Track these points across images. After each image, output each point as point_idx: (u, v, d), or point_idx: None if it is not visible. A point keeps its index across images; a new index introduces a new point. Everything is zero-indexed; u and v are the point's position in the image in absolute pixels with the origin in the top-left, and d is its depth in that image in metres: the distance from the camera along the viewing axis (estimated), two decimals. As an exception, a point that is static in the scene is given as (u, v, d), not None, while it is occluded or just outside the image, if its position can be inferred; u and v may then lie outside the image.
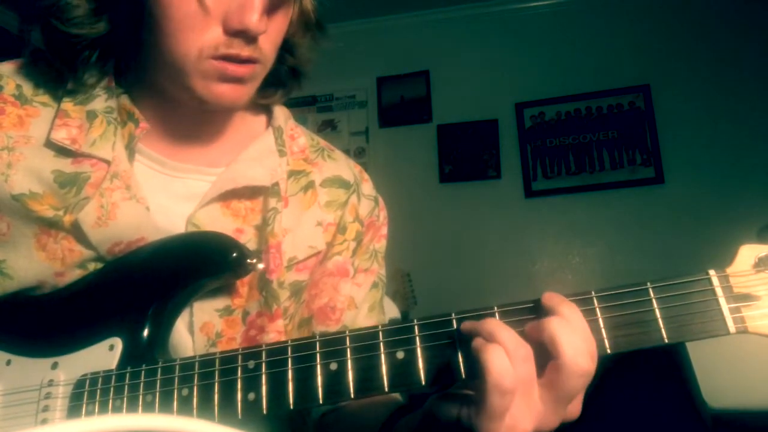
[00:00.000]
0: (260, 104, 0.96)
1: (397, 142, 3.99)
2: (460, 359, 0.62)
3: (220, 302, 0.83)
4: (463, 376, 0.62)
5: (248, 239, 0.85)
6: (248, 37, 0.75)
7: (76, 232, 0.78)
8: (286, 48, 0.89)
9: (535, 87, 3.80)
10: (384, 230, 1.04)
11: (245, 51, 0.76)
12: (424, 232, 3.70)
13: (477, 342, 0.59)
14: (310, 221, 0.91)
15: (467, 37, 4.00)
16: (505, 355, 0.57)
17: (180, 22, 0.74)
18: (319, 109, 4.15)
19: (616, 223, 3.56)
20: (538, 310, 0.62)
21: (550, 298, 0.62)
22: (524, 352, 0.58)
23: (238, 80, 0.78)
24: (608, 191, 3.60)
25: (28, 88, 0.83)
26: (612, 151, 3.64)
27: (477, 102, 3.90)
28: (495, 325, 0.60)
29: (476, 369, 0.58)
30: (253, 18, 0.73)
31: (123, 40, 0.81)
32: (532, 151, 3.76)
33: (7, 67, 0.85)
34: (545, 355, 0.58)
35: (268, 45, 0.79)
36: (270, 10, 0.77)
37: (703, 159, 3.49)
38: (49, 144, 0.79)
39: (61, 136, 0.79)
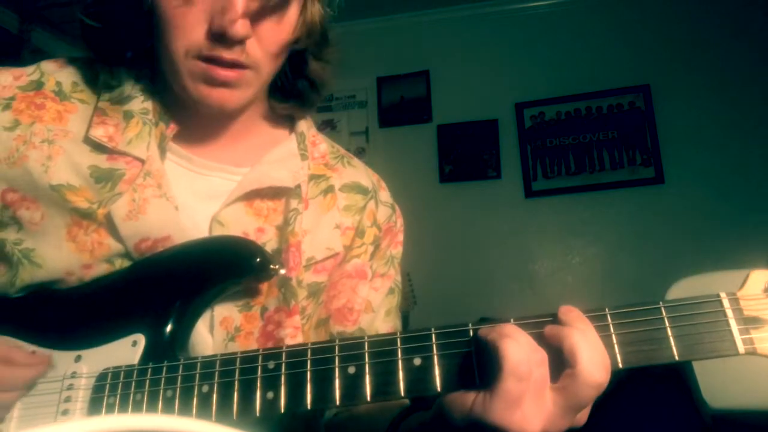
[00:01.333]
0: (284, 115, 0.98)
1: (397, 142, 4.00)
2: (476, 369, 0.63)
3: (240, 300, 0.85)
4: (478, 384, 0.63)
5: (269, 238, 0.88)
6: (229, 41, 0.75)
7: (108, 224, 0.80)
8: (300, 60, 0.90)
9: (535, 87, 3.81)
10: (400, 237, 1.06)
11: (228, 54, 0.76)
12: (424, 232, 3.69)
13: (493, 336, 0.61)
14: (329, 224, 0.93)
15: (467, 37, 4.00)
16: (520, 346, 0.59)
17: (169, 22, 0.76)
18: (319, 109, 4.08)
19: (616, 223, 3.57)
20: (554, 323, 0.63)
21: (567, 312, 0.63)
22: (539, 356, 0.60)
23: (224, 84, 0.78)
24: (608, 191, 3.61)
25: (67, 85, 0.86)
26: (612, 151, 3.65)
27: (477, 102, 3.90)
28: (512, 328, 0.62)
29: (492, 361, 0.60)
30: (232, 22, 0.73)
31: (146, 45, 0.85)
32: (532, 151, 3.77)
33: (49, 65, 0.88)
34: (560, 362, 0.60)
35: (260, 52, 0.79)
36: (259, 16, 0.77)
37: (703, 159, 3.50)
38: (87, 140, 0.83)
39: (99, 133, 0.82)
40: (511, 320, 0.64)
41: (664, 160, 3.55)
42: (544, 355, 0.60)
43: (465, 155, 3.87)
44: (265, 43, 0.79)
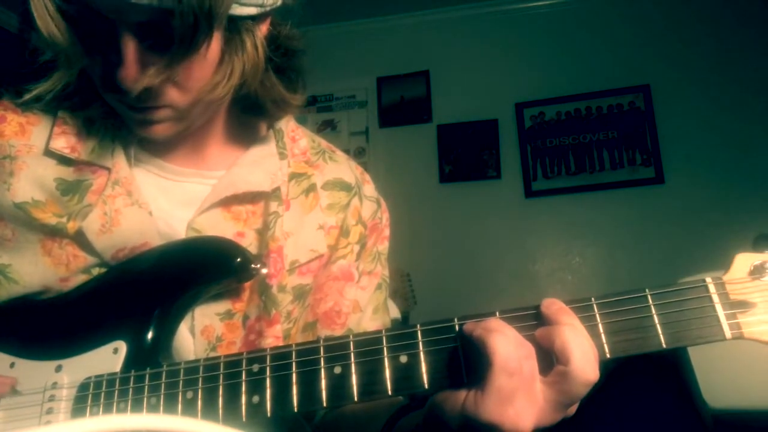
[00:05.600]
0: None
1: (397, 142, 3.99)
2: (463, 364, 0.63)
3: (221, 306, 0.83)
4: (466, 380, 0.63)
5: (249, 243, 0.85)
6: (125, 94, 0.70)
7: (80, 240, 0.78)
8: (258, 83, 0.82)
9: (535, 87, 3.80)
10: (387, 232, 1.04)
11: (134, 103, 0.72)
12: (424, 232, 3.70)
13: (479, 332, 0.60)
14: (312, 224, 0.91)
15: (467, 37, 4.00)
16: (508, 340, 0.58)
17: (87, 65, 0.73)
18: (319, 109, 4.15)
19: (616, 223, 3.56)
20: (540, 317, 0.63)
21: (550, 306, 0.63)
22: (526, 350, 0.59)
23: (149, 122, 0.75)
24: (608, 191, 3.60)
25: (28, 94, 0.82)
26: (612, 151, 3.64)
27: (477, 102, 3.89)
28: (498, 322, 0.61)
29: (480, 357, 0.59)
30: (122, 78, 0.68)
31: None
32: (532, 151, 3.77)
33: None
34: (547, 354, 0.59)
35: (179, 94, 0.73)
36: (160, 62, 0.69)
37: (703, 159, 3.50)
38: (50, 153, 0.80)
39: (60, 145, 0.79)
40: (497, 314, 0.64)
41: (664, 160, 3.54)
42: (531, 348, 0.60)
43: (465, 155, 3.86)
44: (185, 87, 0.73)
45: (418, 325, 0.66)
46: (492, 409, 0.57)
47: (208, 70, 0.73)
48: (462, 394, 0.61)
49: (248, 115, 0.90)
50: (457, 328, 0.64)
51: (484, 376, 0.58)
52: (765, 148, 3.42)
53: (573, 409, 0.61)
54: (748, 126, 3.46)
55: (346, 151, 1.04)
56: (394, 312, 2.83)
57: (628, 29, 3.73)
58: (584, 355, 0.57)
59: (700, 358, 2.09)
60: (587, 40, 3.79)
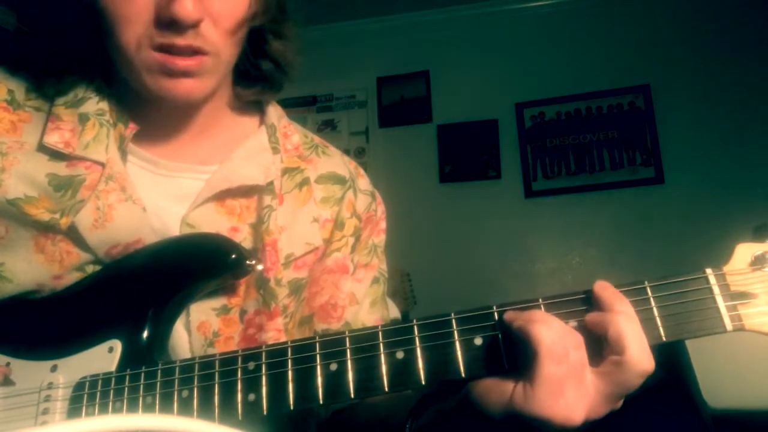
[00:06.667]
0: (251, 102, 0.95)
1: (397, 142, 3.99)
2: (460, 358, 0.63)
3: (217, 301, 0.83)
4: (463, 375, 0.62)
5: (244, 237, 0.85)
6: (181, 26, 0.70)
7: (73, 235, 0.78)
8: (260, 40, 0.86)
9: (535, 87, 3.80)
10: (382, 225, 1.03)
11: (180, 40, 0.72)
12: (424, 232, 3.70)
13: (520, 323, 0.59)
14: (306, 218, 0.91)
15: (467, 37, 4.00)
16: (552, 329, 0.57)
17: (116, 15, 0.72)
18: (319, 109, 4.15)
19: (616, 223, 3.56)
20: (589, 301, 0.62)
21: (604, 289, 0.61)
22: (574, 339, 0.58)
23: (184, 74, 0.74)
24: (608, 191, 3.60)
25: (20, 93, 0.83)
26: (612, 151, 3.64)
27: (477, 102, 3.90)
28: (540, 314, 0.60)
29: (523, 348, 0.58)
30: (180, 5, 0.69)
31: (94, 48, 0.80)
32: (532, 151, 3.77)
33: None
34: (597, 345, 0.58)
35: (216, 33, 0.74)
36: None
37: (703, 159, 3.49)
38: (43, 148, 0.79)
39: (53, 139, 0.79)
40: (540, 300, 0.63)
41: (664, 160, 3.55)
42: (580, 338, 0.58)
43: (465, 155, 3.86)
44: (220, 23, 0.74)
45: (415, 320, 0.65)
46: (542, 401, 0.56)
47: (241, 6, 0.76)
48: (509, 386, 0.59)
49: (247, 89, 0.89)
50: (454, 323, 0.64)
51: (530, 367, 0.57)
52: (765, 148, 3.41)
53: (620, 403, 0.60)
54: (747, 126, 3.46)
55: (346, 151, 1.03)
56: (395, 312, 2.82)
57: (628, 29, 3.73)
58: (640, 343, 0.56)
59: (700, 358, 2.09)
60: (587, 40, 3.79)
